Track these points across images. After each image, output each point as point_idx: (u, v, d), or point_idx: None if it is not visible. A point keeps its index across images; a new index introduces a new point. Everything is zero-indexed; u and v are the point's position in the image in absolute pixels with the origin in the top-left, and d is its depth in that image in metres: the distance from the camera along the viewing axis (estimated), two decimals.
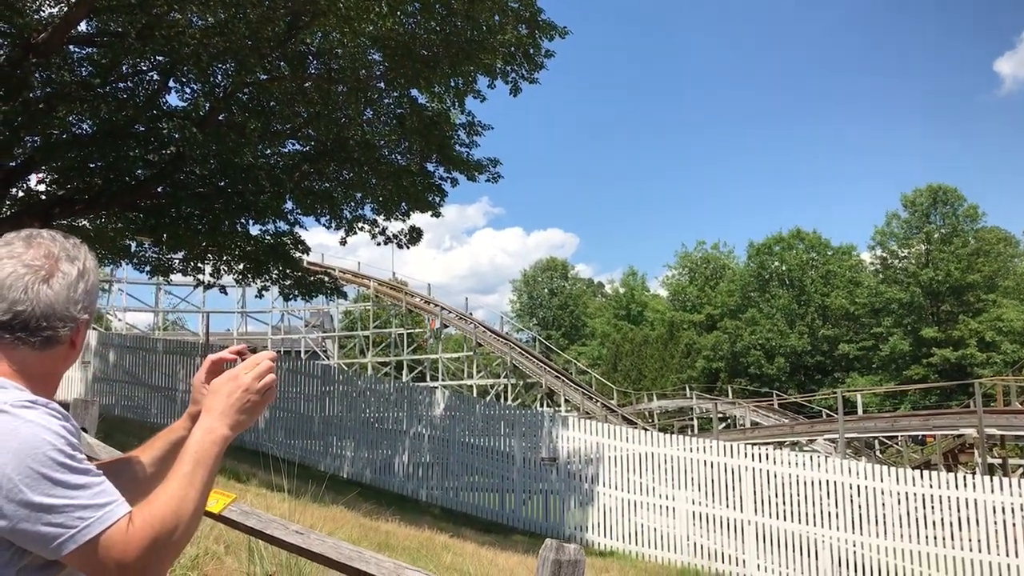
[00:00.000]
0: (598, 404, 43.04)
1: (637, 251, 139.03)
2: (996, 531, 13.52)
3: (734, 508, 15.43)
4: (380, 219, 18.27)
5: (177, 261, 17.99)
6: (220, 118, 14.87)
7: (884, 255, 61.04)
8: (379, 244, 18.58)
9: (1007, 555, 13.31)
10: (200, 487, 1.56)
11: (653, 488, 16.31)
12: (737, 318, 63.67)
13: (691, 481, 15.95)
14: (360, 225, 18.23)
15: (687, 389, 50.36)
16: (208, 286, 18.95)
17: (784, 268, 64.38)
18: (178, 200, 14.81)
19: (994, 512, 13.63)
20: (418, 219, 18.81)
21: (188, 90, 15.20)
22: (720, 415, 38.61)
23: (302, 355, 47.86)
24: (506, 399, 44.48)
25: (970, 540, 13.73)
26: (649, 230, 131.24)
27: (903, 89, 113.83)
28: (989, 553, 13.46)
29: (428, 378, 48.44)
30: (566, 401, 43.36)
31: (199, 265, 18.04)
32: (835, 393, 30.63)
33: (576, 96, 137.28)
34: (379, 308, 52.87)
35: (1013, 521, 13.52)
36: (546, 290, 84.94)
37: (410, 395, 19.89)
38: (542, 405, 43.54)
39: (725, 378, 59.99)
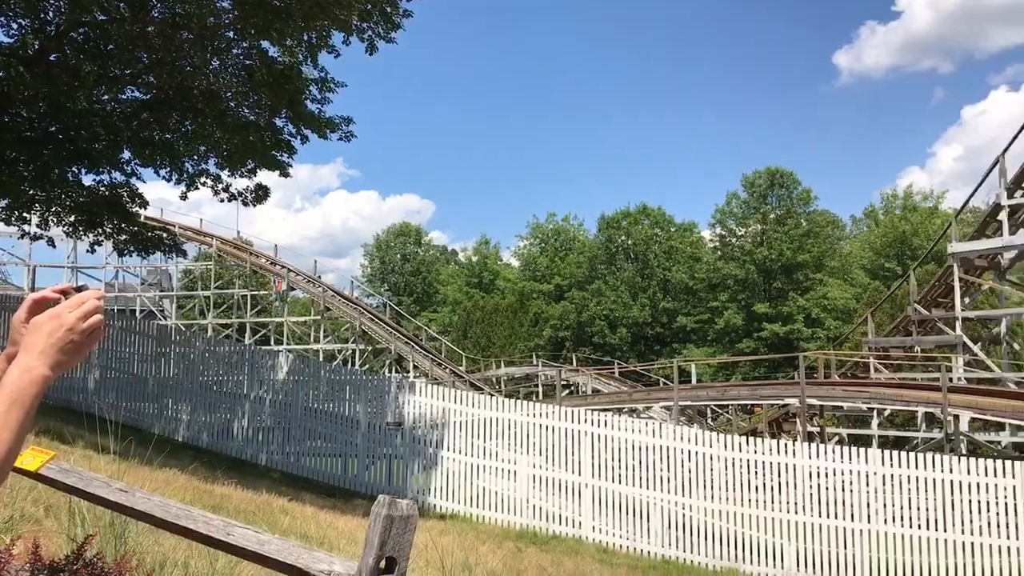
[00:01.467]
0: (447, 370, 43.25)
1: (492, 221, 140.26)
2: (812, 494, 14.50)
3: (573, 472, 15.88)
4: (224, 175, 17.58)
5: None
6: (52, 58, 13.87)
7: (723, 233, 63.87)
8: (223, 201, 17.91)
9: (824, 516, 14.30)
10: (15, 428, 1.45)
11: (497, 452, 16.57)
12: (584, 289, 65.24)
13: (533, 446, 16.29)
14: (203, 180, 17.47)
15: (534, 357, 51.33)
16: (35, 238, 17.76)
17: (630, 242, 66.34)
18: (1, 144, 13.76)
19: (811, 477, 14.61)
20: (266, 177, 18.19)
21: (15, 25, 14.10)
22: (564, 382, 39.59)
23: (137, 314, 45.71)
24: (354, 364, 44.03)
25: (791, 503, 14.67)
26: (505, 200, 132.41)
27: (751, 78, 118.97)
28: (808, 515, 14.42)
29: (272, 342, 47.32)
30: (415, 367, 43.35)
31: (25, 215, 16.86)
32: (672, 363, 31.92)
33: (438, 63, 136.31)
34: (222, 268, 51.08)
35: (827, 485, 14.53)
36: (399, 255, 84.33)
37: (252, 358, 19.36)
38: (391, 371, 43.38)
39: (571, 346, 61.50)
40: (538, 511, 15.98)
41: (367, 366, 45.91)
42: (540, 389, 43.10)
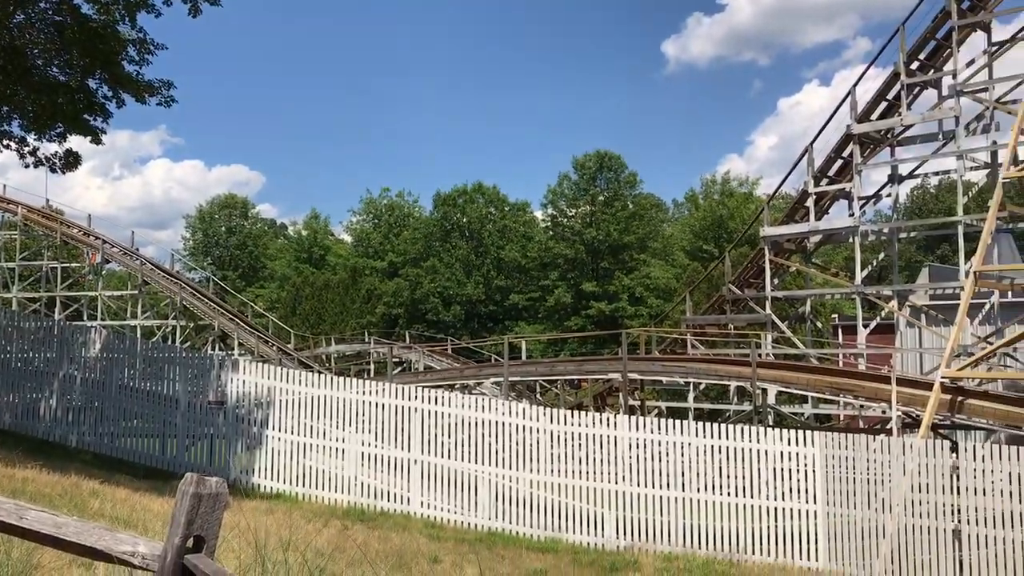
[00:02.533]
0: (274, 348, 42.14)
1: (325, 195, 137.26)
2: (632, 465, 15.13)
3: (403, 448, 15.88)
4: (31, 138, 16.35)
5: None
6: None
7: (555, 213, 65.23)
8: (29, 167, 16.66)
9: (643, 486, 14.95)
10: None
11: (326, 431, 16.33)
12: (419, 266, 65.07)
13: (363, 423, 16.16)
14: (6, 143, 16.18)
15: (366, 334, 50.81)
16: None
17: (465, 220, 66.65)
18: None
19: (631, 448, 15.23)
20: (80, 143, 17.01)
21: None
22: (396, 359, 39.43)
23: None
24: (174, 341, 42.16)
25: (613, 473, 15.25)
26: (338, 175, 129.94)
27: (584, 64, 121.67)
28: (628, 484, 15.03)
29: (86, 317, 44.57)
30: (240, 345, 41.98)
31: None
32: (503, 340, 32.40)
33: (270, 30, 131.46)
34: (28, 238, 47.61)
35: (646, 456, 15.19)
36: (223, 228, 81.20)
37: (61, 334, 18.20)
38: (214, 348, 41.82)
39: (404, 324, 61.29)
40: (367, 488, 15.89)
41: (189, 343, 44.07)
42: (372, 367, 42.76)
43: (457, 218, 67.03)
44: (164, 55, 16.05)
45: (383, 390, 16.42)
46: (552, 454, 15.51)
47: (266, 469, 16.38)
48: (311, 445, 16.33)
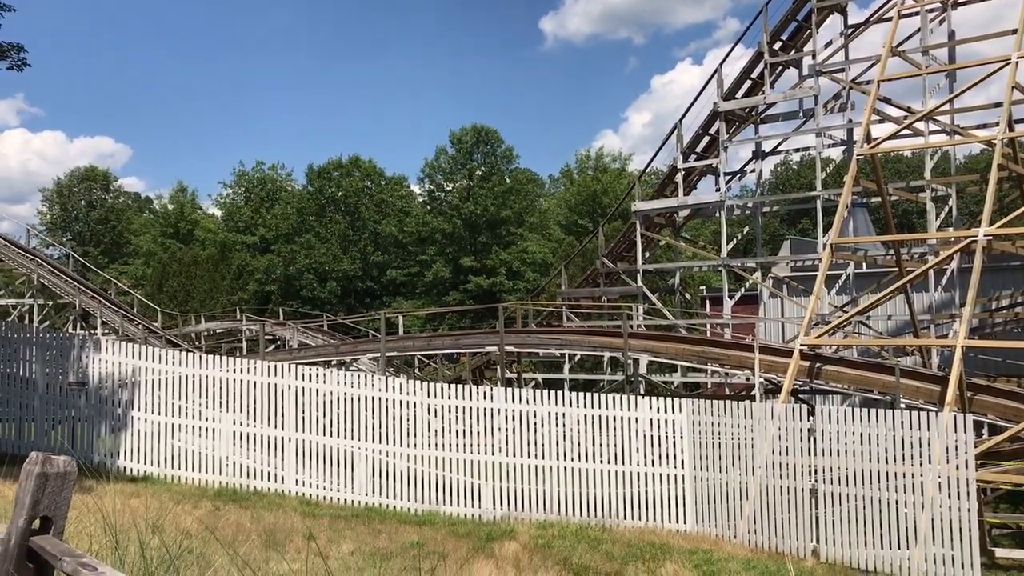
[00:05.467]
0: (140, 327, 40.53)
1: (195, 169, 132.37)
2: (509, 436, 15.33)
3: (277, 427, 15.60)
4: None
5: None
6: None
7: (432, 188, 64.93)
8: None
9: (520, 456, 15.17)
10: None
11: (196, 411, 15.87)
12: (293, 242, 63.65)
13: (236, 402, 15.78)
14: None
15: (237, 311, 49.44)
16: None
17: (341, 194, 65.51)
18: None
19: (508, 420, 15.43)
20: None
21: None
22: (269, 336, 38.59)
23: None
24: (31, 321, 39.99)
25: (491, 445, 15.41)
26: (208, 147, 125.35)
27: (463, 38, 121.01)
28: (505, 455, 15.23)
29: None
30: (104, 324, 40.18)
31: None
32: (380, 315, 32.14)
33: (142, 1, 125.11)
34: None
35: (524, 426, 15.42)
36: (83, 202, 77.26)
37: None
38: (75, 328, 39.89)
39: (277, 301, 59.93)
40: (240, 468, 15.56)
41: (48, 323, 41.90)
42: (244, 344, 41.66)
43: (332, 192, 65.80)
44: (17, 21, 15.09)
45: (255, 368, 16.06)
46: (430, 428, 15.55)
47: (133, 451, 15.81)
48: (180, 425, 15.84)
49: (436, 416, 15.64)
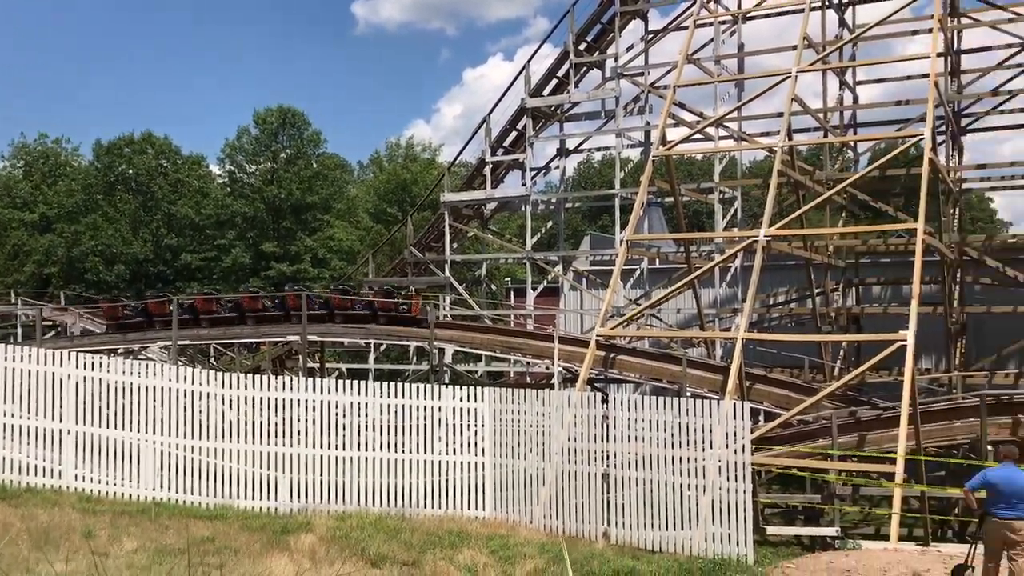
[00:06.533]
0: None
1: None
2: (310, 427, 14.99)
3: (55, 418, 14.52)
4: None
5: None
6: None
7: (233, 169, 62.34)
8: None
9: (322, 448, 14.88)
10: None
11: None
12: (77, 221, 59.31)
13: (7, 392, 14.53)
14: None
15: (12, 294, 45.55)
16: None
17: (132, 172, 61.67)
18: None
19: (309, 410, 15.09)
20: None
21: None
22: (48, 322, 35.84)
23: None
24: None
25: (291, 436, 15.01)
26: None
27: (270, 17, 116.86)
28: (306, 447, 14.88)
29: None
30: None
31: None
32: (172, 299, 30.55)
33: None
34: None
35: (326, 417, 15.12)
36: None
37: None
38: None
39: (59, 284, 55.68)
40: (10, 464, 14.36)
41: None
42: (19, 330, 38.47)
43: (123, 170, 61.80)
44: None
45: (30, 356, 14.86)
46: (224, 419, 14.96)
47: None
48: None
49: (232, 407, 15.07)
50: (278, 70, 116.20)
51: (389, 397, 15.33)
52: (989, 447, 16.25)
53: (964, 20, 27.98)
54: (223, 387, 15.02)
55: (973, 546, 10.21)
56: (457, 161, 44.28)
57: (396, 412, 15.29)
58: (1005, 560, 9.69)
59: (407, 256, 34.81)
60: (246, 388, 15.10)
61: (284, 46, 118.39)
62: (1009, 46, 27.93)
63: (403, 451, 15.10)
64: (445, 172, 36.87)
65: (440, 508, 14.83)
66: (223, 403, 15.01)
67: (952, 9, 27.14)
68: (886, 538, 14.33)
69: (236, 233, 59.17)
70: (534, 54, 33.62)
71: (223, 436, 14.87)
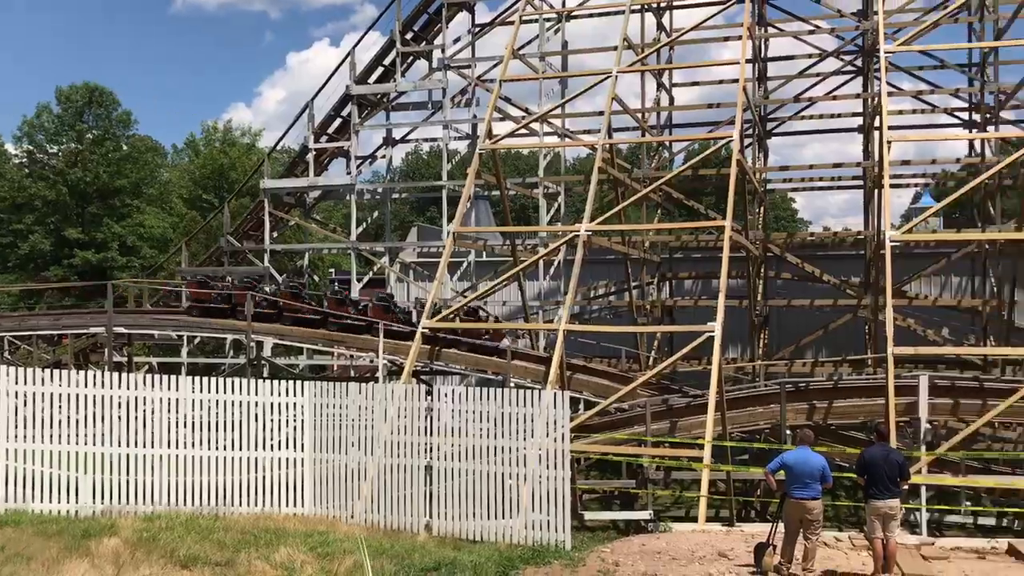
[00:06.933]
0: None
1: None
2: (116, 425, 14.12)
3: None
4: None
5: None
6: None
7: (32, 148, 57.87)
8: None
9: (130, 446, 14.06)
10: None
11: None
12: None
13: None
14: None
15: None
16: None
17: None
18: None
19: (114, 407, 14.21)
20: None
21: None
22: None
23: None
24: None
25: (96, 435, 14.09)
26: None
27: None
28: (111, 446, 14.01)
29: None
30: None
31: None
32: None
33: None
34: None
35: (135, 414, 14.28)
36: None
37: None
38: None
39: None
40: None
41: None
42: None
43: None
44: None
45: None
46: (17, 418, 13.86)
47: None
48: None
49: (27, 404, 13.98)
50: (85, 48, 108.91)
51: (203, 392, 14.68)
52: (788, 431, 17.35)
53: (771, 29, 29.81)
54: (15, 383, 13.91)
55: (774, 525, 10.87)
56: (280, 147, 42.97)
57: (209, 408, 14.65)
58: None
59: (224, 245, 33.45)
60: (43, 383, 14.06)
61: (90, 20, 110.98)
62: (810, 56, 30.01)
63: (218, 448, 14.50)
64: (265, 158, 35.66)
65: (257, 506, 14.37)
66: (16, 399, 13.91)
67: (760, 18, 28.83)
68: (696, 520, 15.02)
69: (35, 218, 55.00)
70: (360, 40, 33.03)
71: (15, 435, 13.78)
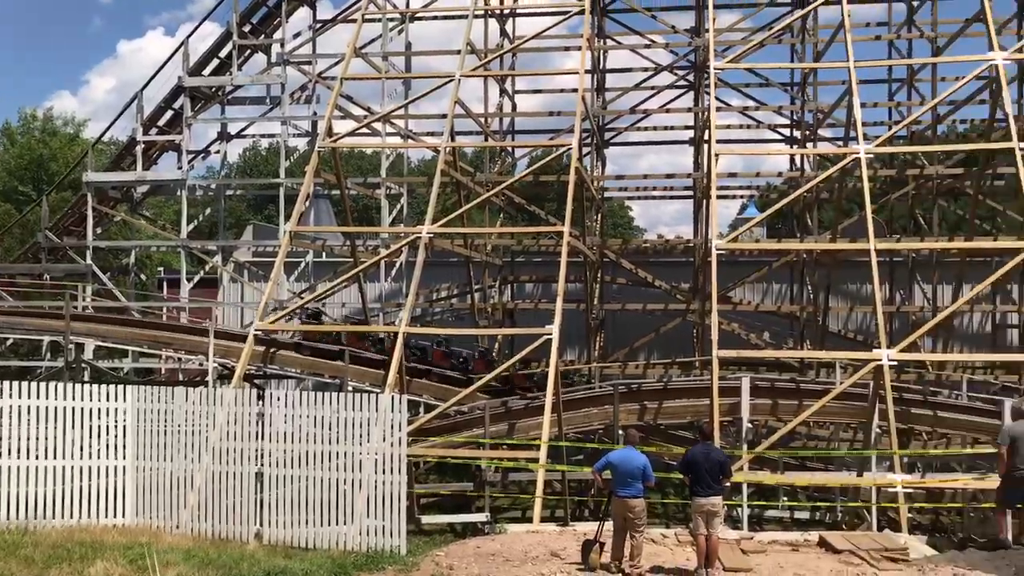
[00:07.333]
0: None
1: None
2: None
3: None
4: None
5: None
6: None
7: None
8: None
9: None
10: None
11: None
12: None
13: None
14: None
15: None
16: None
17: None
18: None
19: None
20: None
21: None
22: None
23: None
24: None
25: None
26: None
27: None
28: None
29: None
30: None
31: None
32: None
33: None
34: None
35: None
36: None
37: None
38: None
39: None
40: None
41: None
42: None
43: None
44: None
45: None
46: None
47: None
48: None
49: None
50: None
51: (12, 398, 13.68)
52: (620, 431, 17.87)
53: (609, 42, 30.69)
54: None
55: (601, 523, 11.15)
56: (107, 139, 40.74)
57: (18, 414, 13.65)
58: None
59: (41, 241, 31.33)
60: None
61: None
62: (646, 69, 31.11)
63: (26, 457, 13.54)
64: (89, 149, 33.68)
65: (72, 518, 13.51)
66: None
67: (600, 31, 29.64)
68: (532, 520, 15.21)
69: None
70: (194, 30, 31.86)
71: None
